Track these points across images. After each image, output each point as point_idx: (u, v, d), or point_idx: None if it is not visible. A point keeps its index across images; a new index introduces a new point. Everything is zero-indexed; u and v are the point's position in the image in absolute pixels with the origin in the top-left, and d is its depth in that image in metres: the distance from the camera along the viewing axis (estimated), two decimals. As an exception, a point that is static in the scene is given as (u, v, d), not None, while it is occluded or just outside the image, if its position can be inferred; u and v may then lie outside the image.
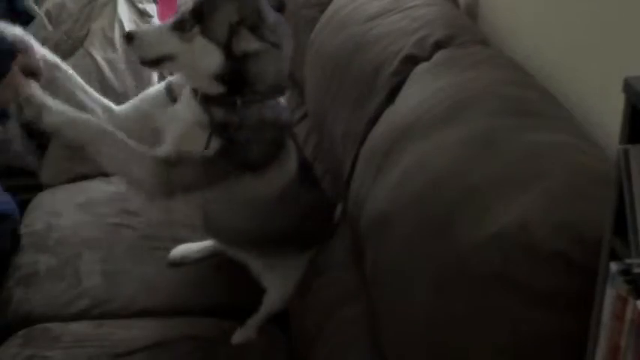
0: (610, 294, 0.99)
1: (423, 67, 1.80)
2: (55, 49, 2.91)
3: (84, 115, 1.80)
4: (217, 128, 1.79)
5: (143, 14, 2.90)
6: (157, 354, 1.92)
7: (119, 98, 2.75)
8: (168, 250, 2.21)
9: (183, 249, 2.22)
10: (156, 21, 2.90)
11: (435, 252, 1.32)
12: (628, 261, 0.95)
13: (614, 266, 0.98)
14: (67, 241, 2.27)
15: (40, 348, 1.93)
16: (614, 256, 1.00)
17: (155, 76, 2.80)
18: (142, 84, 2.77)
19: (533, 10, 1.85)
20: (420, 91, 1.70)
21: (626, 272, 0.96)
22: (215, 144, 1.79)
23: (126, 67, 2.79)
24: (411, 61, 1.83)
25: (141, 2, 2.92)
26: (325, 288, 1.82)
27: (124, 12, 2.90)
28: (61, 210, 2.42)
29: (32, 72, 1.87)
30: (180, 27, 1.75)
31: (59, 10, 2.98)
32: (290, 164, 1.92)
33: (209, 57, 1.74)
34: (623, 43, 1.41)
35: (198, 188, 1.84)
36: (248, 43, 1.74)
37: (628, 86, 0.97)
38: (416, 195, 1.43)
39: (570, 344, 1.15)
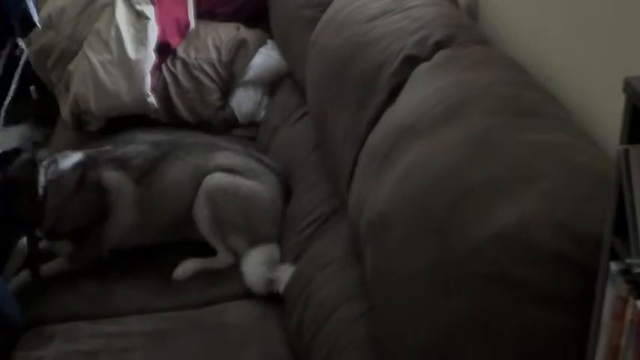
0: (610, 294, 0.99)
1: (423, 67, 1.80)
2: (61, 53, 2.93)
3: None
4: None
5: (140, 16, 2.90)
6: (156, 345, 1.92)
7: (111, 100, 2.76)
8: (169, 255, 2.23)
9: None
10: (153, 23, 2.89)
11: (435, 252, 1.32)
12: (628, 261, 0.95)
13: (614, 266, 0.98)
14: None
15: (34, 349, 1.93)
16: (614, 256, 1.00)
17: (148, 78, 2.78)
18: (135, 86, 2.77)
19: (533, 10, 1.85)
20: (421, 91, 1.70)
21: (626, 272, 0.96)
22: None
23: (119, 70, 2.79)
24: (412, 62, 1.83)
25: (139, 4, 2.92)
26: (325, 285, 1.82)
27: (121, 14, 2.89)
28: None
29: None
30: None
31: (60, 14, 2.99)
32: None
33: None
34: (623, 44, 1.41)
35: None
36: None
37: (628, 86, 0.98)
38: (416, 195, 1.43)
39: (570, 344, 1.15)
